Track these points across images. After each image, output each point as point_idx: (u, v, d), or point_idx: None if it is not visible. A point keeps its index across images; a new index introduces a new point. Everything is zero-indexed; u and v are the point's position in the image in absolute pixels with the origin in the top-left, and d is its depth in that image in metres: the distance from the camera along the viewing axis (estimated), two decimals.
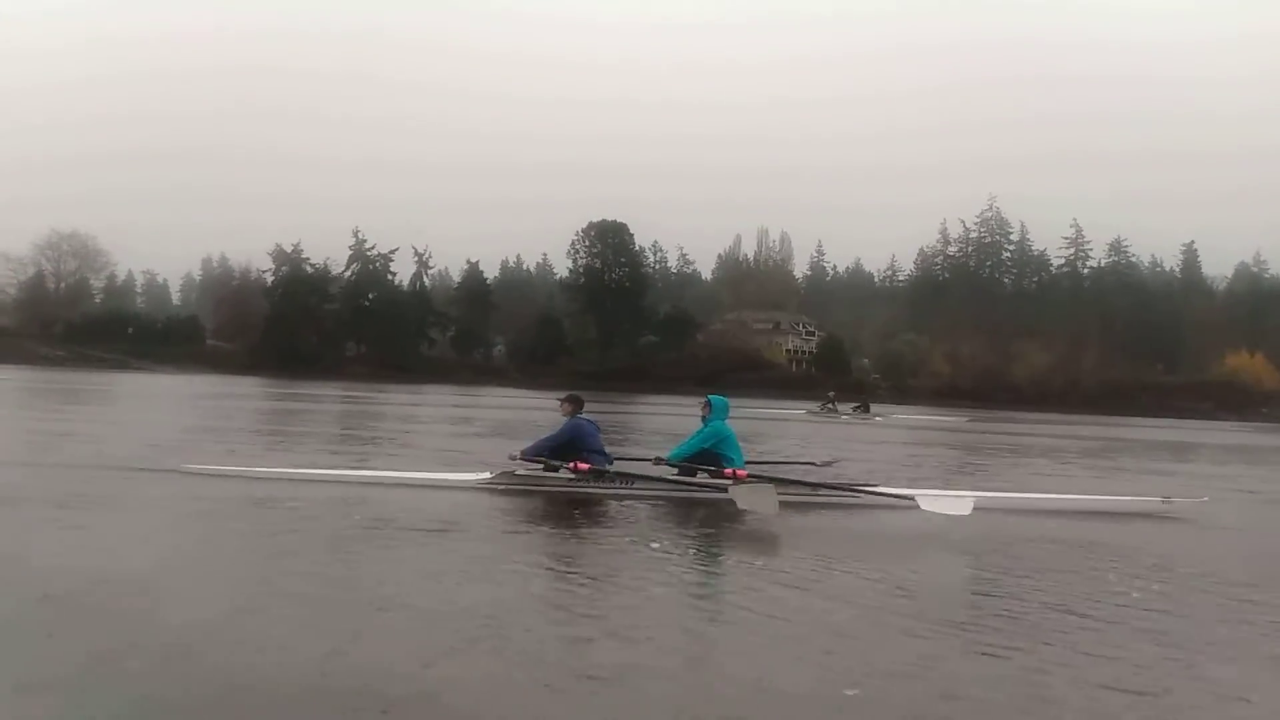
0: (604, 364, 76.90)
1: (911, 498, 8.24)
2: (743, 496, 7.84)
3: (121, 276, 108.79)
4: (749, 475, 8.97)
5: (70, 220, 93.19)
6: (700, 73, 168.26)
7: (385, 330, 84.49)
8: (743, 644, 4.28)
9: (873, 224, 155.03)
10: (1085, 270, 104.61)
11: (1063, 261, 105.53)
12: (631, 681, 3.66)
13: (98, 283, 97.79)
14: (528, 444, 9.29)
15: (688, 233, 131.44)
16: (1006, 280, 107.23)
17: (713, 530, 7.48)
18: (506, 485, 8.99)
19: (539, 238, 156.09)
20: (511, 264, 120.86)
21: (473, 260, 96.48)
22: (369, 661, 3.79)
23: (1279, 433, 41.47)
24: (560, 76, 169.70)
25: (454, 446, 15.45)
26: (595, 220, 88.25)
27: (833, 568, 6.04)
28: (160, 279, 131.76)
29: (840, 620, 4.72)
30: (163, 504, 7.75)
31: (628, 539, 6.83)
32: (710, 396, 9.66)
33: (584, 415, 9.29)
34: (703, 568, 6.24)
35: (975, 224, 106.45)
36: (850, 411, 35.52)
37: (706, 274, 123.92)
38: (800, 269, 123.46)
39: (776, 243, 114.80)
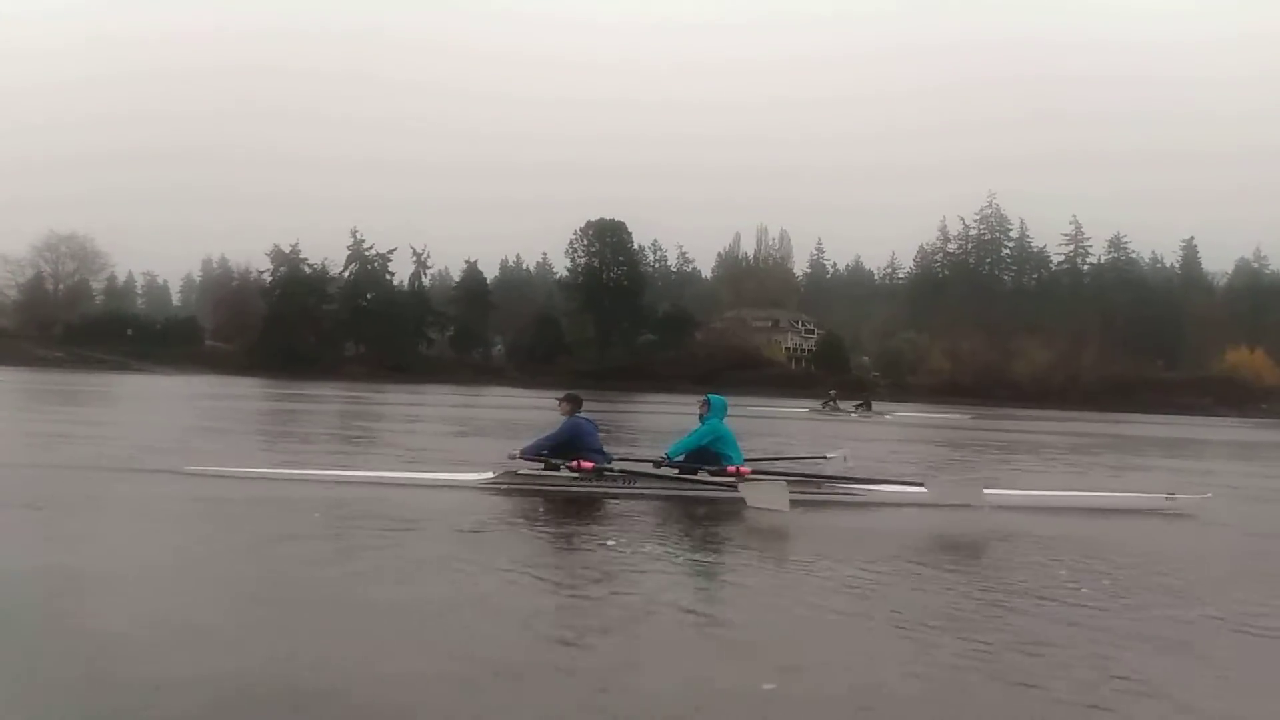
0: (602, 363, 76.84)
1: (920, 482, 8.17)
2: (753, 494, 7.77)
3: (121, 278, 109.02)
4: (752, 472, 8.94)
5: (70, 221, 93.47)
6: (700, 73, 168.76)
7: (384, 330, 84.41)
8: (681, 640, 4.28)
9: (873, 223, 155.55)
10: (1085, 267, 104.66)
11: (1063, 258, 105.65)
12: (552, 681, 3.64)
13: (97, 284, 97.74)
14: (527, 443, 9.25)
15: (688, 232, 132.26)
16: (1006, 277, 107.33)
17: (710, 530, 7.40)
18: (508, 485, 8.94)
19: (539, 237, 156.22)
20: (511, 263, 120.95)
21: (471, 260, 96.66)
22: (327, 663, 3.77)
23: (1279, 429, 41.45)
24: (560, 76, 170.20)
25: (454, 446, 15.40)
26: (593, 219, 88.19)
27: (801, 564, 6.03)
28: (160, 280, 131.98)
29: (781, 617, 4.74)
30: (158, 504, 7.70)
31: (610, 541, 6.70)
32: (708, 395, 9.66)
33: (582, 414, 9.25)
34: (678, 567, 6.10)
35: (975, 221, 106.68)
36: (853, 409, 35.50)
37: (706, 272, 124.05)
38: (800, 267, 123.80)
39: (776, 241, 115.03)
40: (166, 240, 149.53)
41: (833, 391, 38.80)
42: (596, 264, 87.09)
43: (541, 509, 8.12)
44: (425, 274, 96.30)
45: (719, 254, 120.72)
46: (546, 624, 4.46)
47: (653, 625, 4.50)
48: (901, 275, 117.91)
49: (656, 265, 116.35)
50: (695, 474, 9.08)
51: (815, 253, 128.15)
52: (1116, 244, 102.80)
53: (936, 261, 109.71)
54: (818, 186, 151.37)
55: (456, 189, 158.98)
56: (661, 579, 5.51)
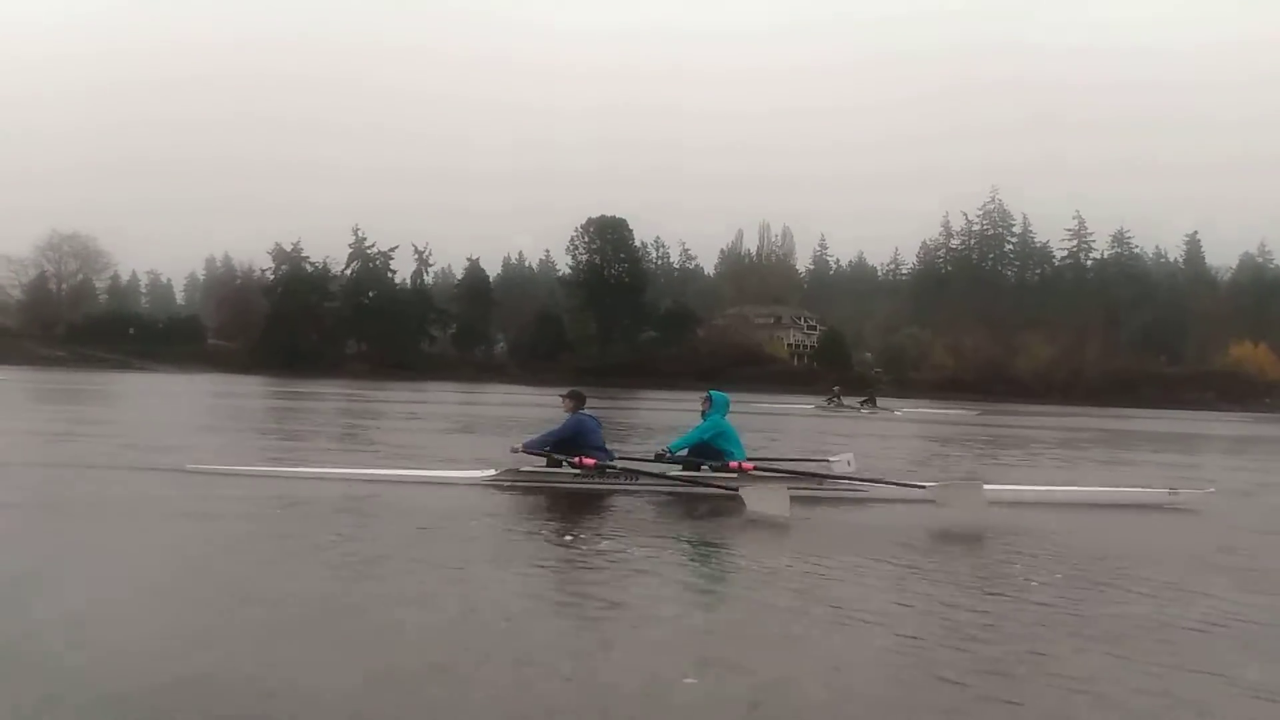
0: (604, 360, 76.79)
1: (921, 485, 8.13)
2: (753, 498, 7.74)
3: (125, 277, 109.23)
4: (754, 467, 8.93)
5: (74, 225, 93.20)
6: (700, 82, 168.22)
7: (386, 328, 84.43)
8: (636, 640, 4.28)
9: (873, 227, 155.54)
10: (1089, 262, 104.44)
11: (1066, 253, 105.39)
12: (455, 680, 3.62)
13: (101, 283, 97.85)
14: (530, 438, 9.25)
15: (690, 230, 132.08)
16: (1009, 272, 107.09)
17: (706, 528, 7.35)
18: (511, 482, 8.94)
19: (542, 236, 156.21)
20: (514, 261, 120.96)
21: (474, 257, 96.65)
22: (314, 664, 3.75)
23: None
24: (561, 86, 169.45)
25: (455, 444, 15.40)
26: (594, 216, 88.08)
27: (778, 562, 6.02)
28: (164, 279, 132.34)
29: (705, 616, 4.77)
30: (157, 504, 7.69)
31: (603, 544, 6.60)
32: (710, 391, 9.67)
33: (586, 411, 9.24)
34: (656, 565, 6.00)
35: (978, 216, 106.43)
36: (858, 405, 35.56)
37: (709, 269, 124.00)
38: (803, 263, 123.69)
39: (779, 237, 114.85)
40: (171, 242, 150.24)
41: (836, 388, 38.86)
42: (598, 261, 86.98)
43: (541, 506, 8.10)
44: (427, 272, 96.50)
45: (722, 250, 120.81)
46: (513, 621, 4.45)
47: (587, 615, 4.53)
48: (905, 271, 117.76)
49: (659, 262, 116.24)
50: (698, 469, 9.09)
51: (818, 249, 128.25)
52: (1120, 239, 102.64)
53: (939, 257, 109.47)
54: (818, 195, 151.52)
55: (459, 195, 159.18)
56: (637, 576, 5.49)
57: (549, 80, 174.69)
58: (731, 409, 9.63)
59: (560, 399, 9.49)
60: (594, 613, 4.61)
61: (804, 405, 36.46)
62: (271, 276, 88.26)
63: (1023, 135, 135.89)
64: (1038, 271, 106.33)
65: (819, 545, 6.55)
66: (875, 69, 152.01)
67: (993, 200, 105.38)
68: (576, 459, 8.74)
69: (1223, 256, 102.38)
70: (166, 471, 9.42)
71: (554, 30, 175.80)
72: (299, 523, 7.07)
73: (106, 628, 4.22)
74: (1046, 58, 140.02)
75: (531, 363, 79.88)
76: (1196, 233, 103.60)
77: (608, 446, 9.31)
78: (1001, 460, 15.97)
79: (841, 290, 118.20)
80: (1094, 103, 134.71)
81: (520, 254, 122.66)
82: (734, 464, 8.92)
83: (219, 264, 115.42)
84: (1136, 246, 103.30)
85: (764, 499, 7.65)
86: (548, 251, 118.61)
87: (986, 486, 8.63)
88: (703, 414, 9.40)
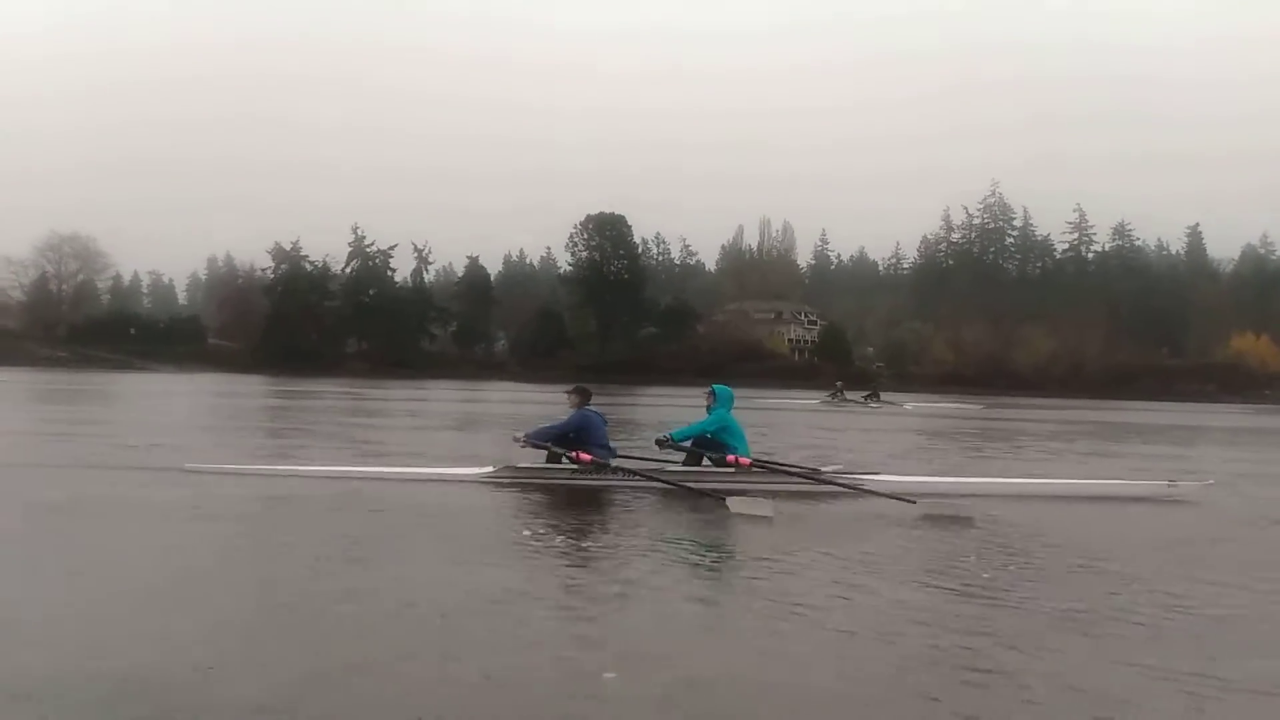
0: (604, 357, 76.78)
1: (913, 500, 7.97)
2: (737, 504, 7.71)
3: (127, 277, 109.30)
4: (752, 463, 8.90)
5: (74, 226, 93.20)
6: (700, 80, 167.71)
7: (386, 326, 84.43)
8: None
9: (874, 225, 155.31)
10: (1090, 255, 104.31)
11: (1067, 246, 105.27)
12: (373, 678, 3.61)
13: (102, 283, 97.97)
14: (534, 429, 9.24)
15: (690, 226, 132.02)
16: (1010, 266, 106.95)
17: (686, 527, 7.24)
18: (509, 479, 8.94)
19: (543, 234, 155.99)
20: (514, 258, 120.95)
21: (472, 255, 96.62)
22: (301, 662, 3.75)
23: None
24: (561, 86, 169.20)
25: (454, 441, 15.39)
26: (593, 213, 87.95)
27: (748, 560, 6.03)
28: (166, 279, 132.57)
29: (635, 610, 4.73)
30: (155, 503, 7.68)
31: (587, 543, 6.64)
32: (714, 386, 9.63)
33: (591, 407, 9.22)
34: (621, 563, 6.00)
35: (978, 210, 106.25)
36: (861, 400, 35.75)
37: (710, 265, 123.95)
38: (804, 258, 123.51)
39: (779, 233, 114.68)
40: (171, 242, 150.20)
41: (839, 384, 39.15)
42: (597, 258, 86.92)
43: (531, 504, 8.08)
44: (427, 270, 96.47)
45: (723, 246, 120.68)
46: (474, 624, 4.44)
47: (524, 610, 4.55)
48: (906, 266, 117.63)
49: (660, 259, 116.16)
50: (699, 462, 9.06)
51: (819, 244, 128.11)
52: (1121, 231, 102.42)
53: (940, 251, 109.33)
54: (818, 192, 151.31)
55: (459, 195, 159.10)
56: (586, 573, 5.49)
57: (549, 80, 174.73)
58: (735, 405, 9.56)
59: (567, 394, 9.45)
60: (528, 608, 4.61)
61: (809, 400, 36.63)
62: (271, 276, 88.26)
63: (1023, 134, 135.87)
64: (1039, 265, 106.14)
65: (787, 542, 6.51)
66: (875, 68, 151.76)
67: (993, 194, 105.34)
68: (574, 454, 8.73)
69: (1225, 248, 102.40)
70: (163, 471, 9.41)
71: (554, 30, 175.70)
72: (281, 521, 7.08)
73: (55, 623, 4.25)
74: (1046, 56, 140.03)
75: (531, 360, 79.86)
76: (1198, 225, 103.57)
77: (611, 445, 9.27)
78: (1005, 453, 15.97)
79: (843, 285, 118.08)
80: (1094, 98, 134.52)
81: (521, 252, 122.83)
82: (731, 457, 8.90)
83: (220, 264, 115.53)
84: (1138, 239, 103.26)
85: (749, 504, 7.60)
86: (548, 249, 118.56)
87: (985, 480, 8.61)
88: (707, 409, 9.34)
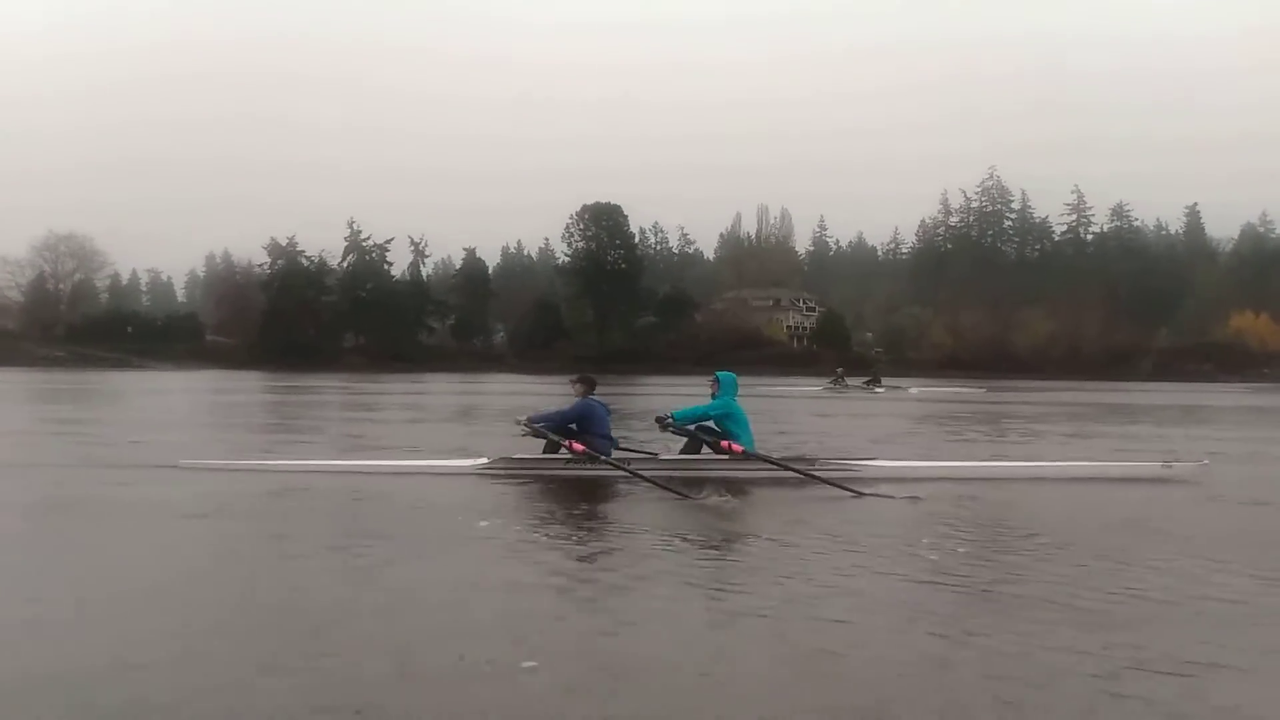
0: (602, 347, 76.71)
1: (892, 495, 7.90)
2: (704, 499, 7.67)
3: (126, 276, 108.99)
4: (744, 452, 8.82)
5: (72, 225, 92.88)
6: (698, 71, 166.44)
7: (383, 320, 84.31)
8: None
9: (873, 212, 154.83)
10: (1088, 237, 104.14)
11: (1065, 228, 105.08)
12: (288, 672, 3.60)
13: (101, 282, 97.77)
14: (537, 414, 9.20)
15: (688, 214, 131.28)
16: (1008, 249, 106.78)
17: (660, 519, 7.07)
18: (503, 470, 8.91)
19: (541, 226, 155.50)
20: (512, 250, 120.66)
21: (469, 248, 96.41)
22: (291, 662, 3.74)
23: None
24: (557, 79, 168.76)
25: (450, 433, 15.38)
26: (589, 203, 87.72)
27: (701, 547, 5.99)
28: (165, 277, 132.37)
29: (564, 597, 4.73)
30: (152, 501, 7.66)
31: (571, 539, 6.64)
32: (718, 373, 9.53)
33: (595, 397, 9.16)
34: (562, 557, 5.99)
35: (976, 193, 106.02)
36: (863, 385, 35.92)
37: (709, 254, 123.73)
38: (803, 244, 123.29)
39: (777, 220, 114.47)
40: (170, 241, 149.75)
41: (840, 370, 39.31)
42: (594, 247, 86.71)
43: (519, 495, 8.05)
44: (424, 263, 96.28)
45: (721, 235, 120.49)
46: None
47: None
48: (905, 250, 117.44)
49: (658, 248, 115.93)
50: (699, 449, 8.99)
51: (818, 230, 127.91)
52: (1119, 212, 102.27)
53: (939, 235, 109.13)
54: (817, 179, 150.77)
55: (458, 192, 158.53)
56: (533, 565, 5.42)
57: (548, 74, 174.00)
58: (739, 392, 9.48)
59: (570, 383, 9.37)
60: (460, 599, 4.64)
61: (811, 387, 36.83)
62: (268, 272, 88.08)
63: (1022, 120, 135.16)
64: (1037, 247, 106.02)
65: (750, 531, 6.53)
66: (875, 57, 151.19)
67: (991, 177, 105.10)
68: (568, 442, 8.68)
69: (1224, 228, 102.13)
70: (158, 468, 9.39)
71: (552, 23, 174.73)
72: (270, 516, 7.04)
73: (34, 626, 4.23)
74: (1045, 43, 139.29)
75: (529, 352, 79.82)
76: (1196, 204, 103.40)
77: (613, 435, 9.17)
78: (1008, 436, 15.97)
79: (842, 271, 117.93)
80: (1092, 86, 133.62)
81: (519, 243, 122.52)
82: (725, 444, 8.84)
83: (219, 261, 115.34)
84: (1137, 220, 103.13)
85: (715, 498, 7.58)
86: (546, 240, 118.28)
87: (982, 464, 8.60)
88: (711, 396, 9.26)
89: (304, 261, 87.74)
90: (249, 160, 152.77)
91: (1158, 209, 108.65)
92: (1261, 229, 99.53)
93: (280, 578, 5.15)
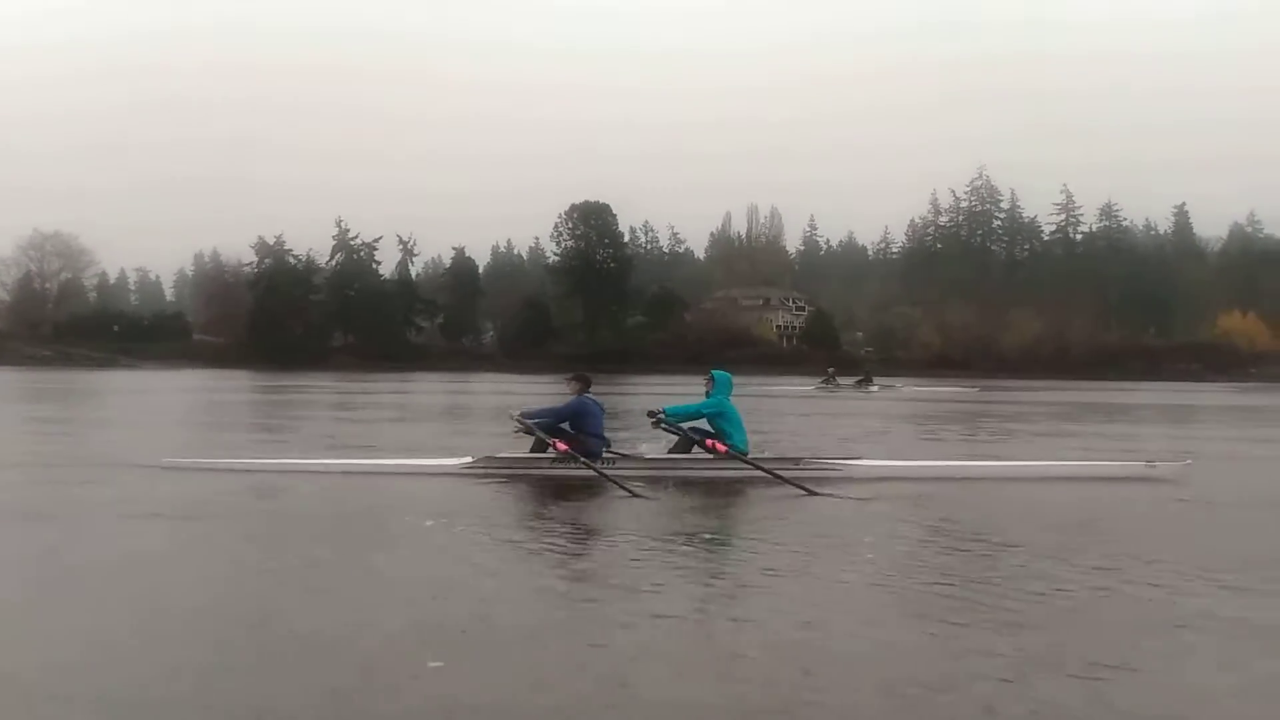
0: (591, 346, 76.62)
1: (856, 497, 7.87)
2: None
3: (114, 274, 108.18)
4: (728, 450, 8.76)
5: (59, 218, 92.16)
6: (687, 59, 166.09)
7: (371, 319, 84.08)
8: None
9: (864, 203, 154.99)
10: (1077, 236, 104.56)
11: (1054, 228, 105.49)
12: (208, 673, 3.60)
13: (89, 281, 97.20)
14: (531, 409, 9.14)
15: (679, 213, 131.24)
16: (998, 249, 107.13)
17: (631, 518, 7.07)
18: (486, 469, 8.87)
19: (531, 223, 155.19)
20: (502, 249, 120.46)
21: (458, 247, 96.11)
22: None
23: (1267, 393, 41.57)
24: (548, 65, 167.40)
25: (434, 432, 15.33)
26: (578, 202, 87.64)
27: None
28: (153, 276, 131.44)
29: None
30: (135, 499, 7.58)
31: (555, 537, 6.59)
32: (713, 371, 9.50)
33: (590, 395, 9.12)
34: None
35: (966, 193, 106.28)
36: (854, 384, 36.03)
37: (700, 253, 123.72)
38: (793, 244, 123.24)
39: (767, 219, 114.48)
40: (159, 239, 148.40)
41: (831, 369, 39.43)
42: (583, 246, 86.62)
43: (500, 495, 7.99)
44: (412, 262, 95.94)
45: (711, 234, 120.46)
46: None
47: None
48: (895, 250, 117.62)
49: (648, 247, 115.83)
50: (689, 449, 8.93)
51: (808, 229, 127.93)
52: (1108, 212, 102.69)
53: (929, 235, 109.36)
54: (807, 166, 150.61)
55: (447, 181, 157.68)
56: (466, 565, 5.38)
57: (545, 67, 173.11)
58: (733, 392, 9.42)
59: (565, 380, 9.38)
60: (381, 598, 4.65)
61: (803, 387, 36.94)
62: (256, 271, 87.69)
63: (1013, 103, 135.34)
64: (1026, 247, 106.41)
65: (695, 527, 6.55)
66: (866, 43, 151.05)
67: (980, 176, 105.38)
68: (553, 442, 8.63)
69: (1212, 227, 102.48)
70: (140, 467, 9.30)
71: (550, 13, 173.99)
72: (272, 517, 7.01)
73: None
74: (1035, 30, 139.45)
75: (517, 350, 79.70)
76: (1184, 204, 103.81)
77: (605, 435, 9.13)
78: (996, 435, 16.01)
79: (832, 271, 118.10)
80: (1082, 73, 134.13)
81: (509, 242, 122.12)
82: (710, 442, 8.80)
83: (207, 259, 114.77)
84: (1125, 219, 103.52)
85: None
86: (536, 239, 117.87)
87: (963, 463, 8.60)
88: (706, 394, 9.22)
89: (292, 260, 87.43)
90: (247, 157, 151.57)
91: (1146, 209, 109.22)
92: (1249, 229, 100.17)
93: (205, 576, 5.17)
